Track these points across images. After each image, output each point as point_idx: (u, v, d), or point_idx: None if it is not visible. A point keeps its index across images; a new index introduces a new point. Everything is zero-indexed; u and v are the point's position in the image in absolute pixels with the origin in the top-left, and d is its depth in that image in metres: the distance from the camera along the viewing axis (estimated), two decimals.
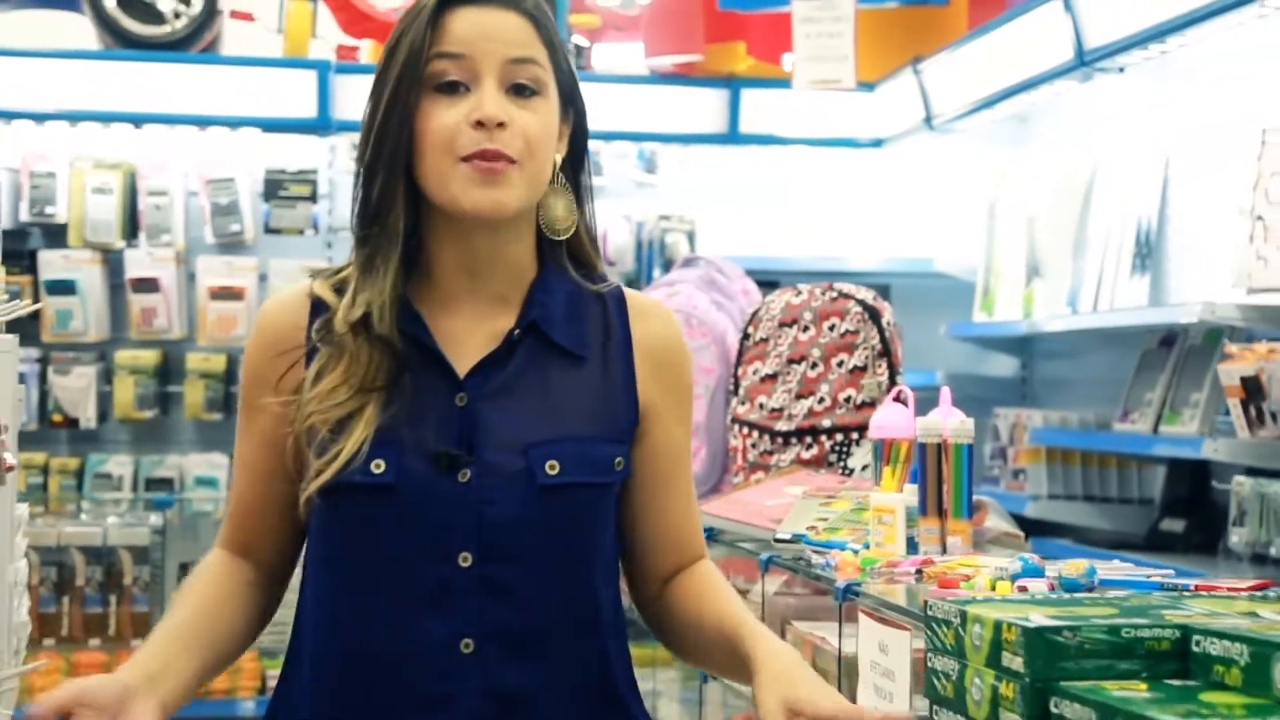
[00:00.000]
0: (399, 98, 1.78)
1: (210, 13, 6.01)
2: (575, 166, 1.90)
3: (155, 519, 5.68)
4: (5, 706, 2.04)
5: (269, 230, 6.10)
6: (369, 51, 6.28)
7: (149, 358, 6.03)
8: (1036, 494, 5.12)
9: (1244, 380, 3.71)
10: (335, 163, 6.18)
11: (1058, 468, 5.11)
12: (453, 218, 1.80)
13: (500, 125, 1.75)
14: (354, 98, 5.96)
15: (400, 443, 1.75)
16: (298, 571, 1.93)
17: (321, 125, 6.01)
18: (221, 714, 5.69)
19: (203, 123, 6.01)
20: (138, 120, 5.98)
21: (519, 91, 1.79)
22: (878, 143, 6.35)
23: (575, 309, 1.87)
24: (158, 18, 5.96)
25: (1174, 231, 4.78)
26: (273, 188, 6.07)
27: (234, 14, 6.12)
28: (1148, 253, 4.81)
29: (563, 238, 1.87)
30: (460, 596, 1.73)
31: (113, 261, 6.02)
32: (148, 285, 5.97)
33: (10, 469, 1.92)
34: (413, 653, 1.74)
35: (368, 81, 6.04)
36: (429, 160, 1.77)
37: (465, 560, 1.74)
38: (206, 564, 1.88)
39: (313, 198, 6.09)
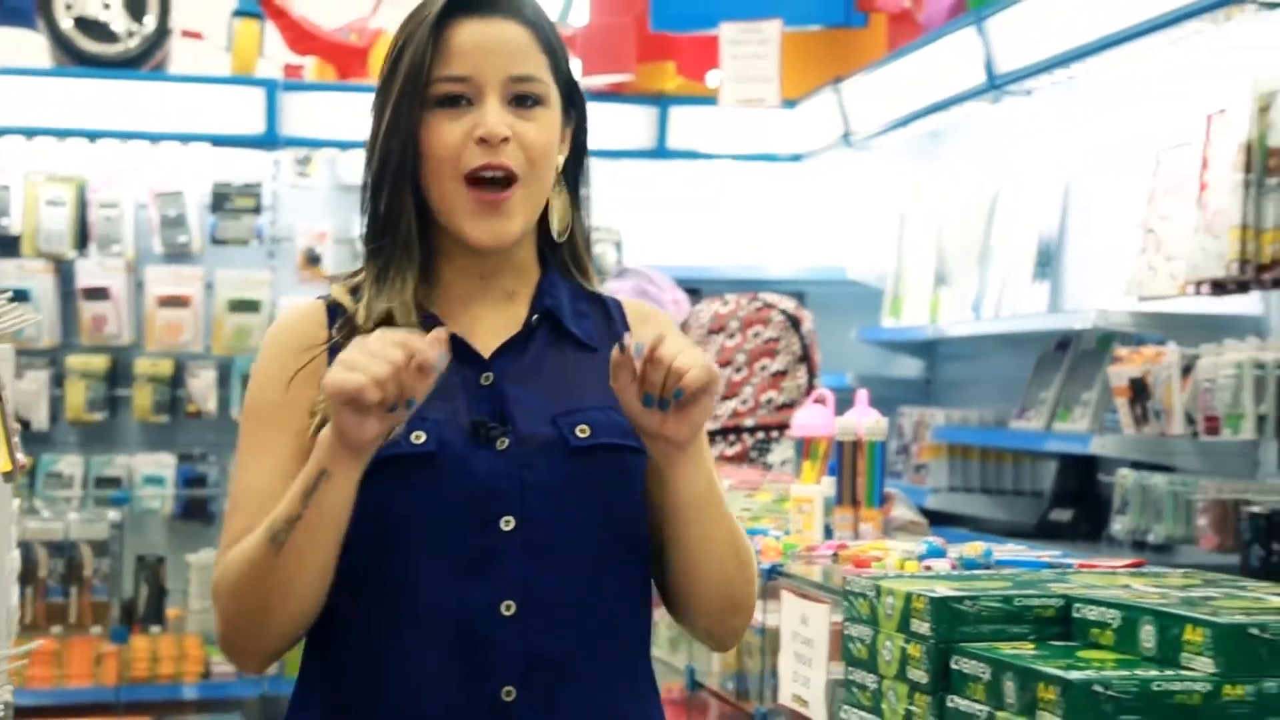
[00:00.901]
0: (402, 113, 1.75)
1: (162, 32, 6.09)
2: (575, 168, 1.88)
3: (114, 514, 5.78)
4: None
5: (215, 241, 6.21)
6: (314, 70, 6.39)
7: (99, 362, 6.13)
8: (937, 487, 5.25)
9: (1131, 381, 3.88)
10: (279, 176, 6.28)
11: (958, 462, 5.26)
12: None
13: (504, 140, 1.74)
14: (300, 114, 6.11)
15: (436, 418, 1.72)
16: None
17: (269, 141, 6.12)
18: (166, 698, 5.82)
19: (155, 138, 6.10)
20: (92, 135, 6.06)
21: (520, 102, 1.77)
22: (797, 157, 6.46)
23: (579, 307, 1.87)
24: (111, 37, 6.04)
25: (1072, 244, 4.94)
26: (219, 200, 6.18)
27: (184, 33, 6.21)
28: (1047, 263, 4.97)
29: (560, 239, 1.86)
30: (503, 560, 1.70)
31: (64, 271, 6.11)
32: (98, 293, 6.07)
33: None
34: (454, 616, 1.71)
35: (314, 98, 6.19)
36: (434, 177, 1.76)
37: (508, 524, 1.72)
38: (226, 558, 1.74)
39: (257, 210, 6.20)
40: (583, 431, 1.76)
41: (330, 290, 1.84)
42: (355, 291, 1.81)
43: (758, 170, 6.61)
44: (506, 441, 1.74)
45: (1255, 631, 1.43)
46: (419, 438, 1.71)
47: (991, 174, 5.41)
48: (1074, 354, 4.68)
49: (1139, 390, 3.85)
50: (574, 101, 1.85)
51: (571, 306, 1.86)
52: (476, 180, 1.75)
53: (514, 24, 1.78)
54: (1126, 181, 4.41)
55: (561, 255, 1.88)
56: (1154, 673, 1.43)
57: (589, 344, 1.84)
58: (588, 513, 1.76)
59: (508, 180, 1.75)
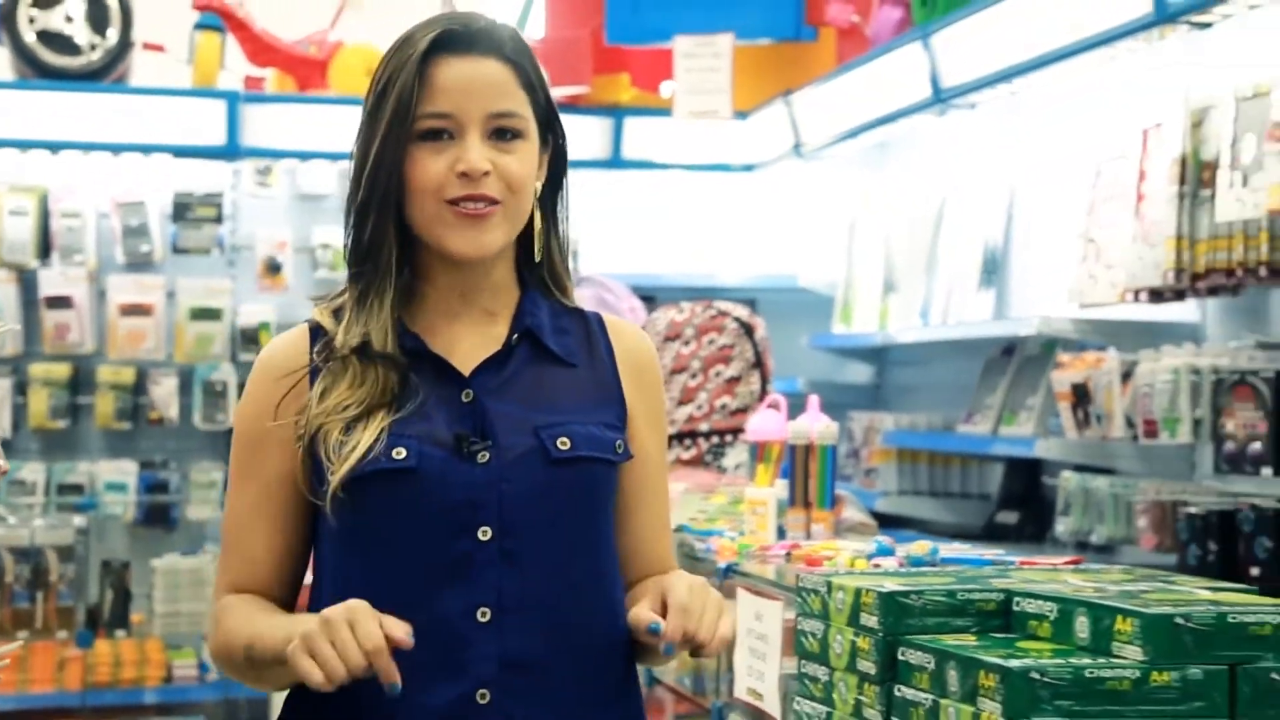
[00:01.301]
0: (388, 146, 1.81)
1: (124, 45, 6.10)
2: (552, 191, 1.94)
3: (79, 520, 5.80)
4: None
5: (176, 250, 6.23)
6: (274, 82, 6.43)
7: (61, 370, 6.14)
8: (887, 490, 5.33)
9: (1073, 386, 3.96)
10: (240, 186, 6.31)
11: (907, 466, 5.32)
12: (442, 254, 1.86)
13: (485, 174, 1.80)
14: (261, 125, 6.16)
15: (417, 435, 1.80)
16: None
17: (230, 152, 6.15)
18: (128, 702, 5.83)
19: (117, 149, 6.13)
20: (54, 147, 6.08)
21: (500, 135, 1.83)
22: (749, 168, 6.51)
23: (560, 324, 1.92)
24: (74, 49, 6.05)
25: (1016, 252, 5.02)
26: (180, 210, 6.20)
27: (146, 46, 6.23)
28: (992, 271, 5.05)
29: (537, 258, 1.91)
30: (480, 569, 1.76)
31: (27, 280, 6.11)
32: (61, 302, 6.08)
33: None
34: (431, 622, 1.74)
35: (275, 109, 6.20)
36: (417, 204, 1.82)
37: (485, 534, 1.78)
38: (227, 604, 1.86)
39: (218, 219, 6.22)
40: (563, 443, 1.82)
41: (313, 312, 1.90)
42: (338, 313, 1.87)
43: (711, 180, 6.66)
44: (487, 455, 1.80)
45: (1181, 621, 1.51)
46: (400, 454, 1.78)
47: (938, 184, 5.50)
48: (1019, 360, 4.77)
49: (1081, 395, 3.94)
50: (552, 128, 1.91)
51: (552, 324, 1.91)
52: (458, 205, 1.82)
53: (495, 62, 1.84)
54: (1068, 192, 4.50)
55: (541, 274, 1.93)
56: (1087, 661, 1.52)
57: (569, 360, 1.90)
58: (564, 522, 1.83)
59: (490, 203, 1.82)
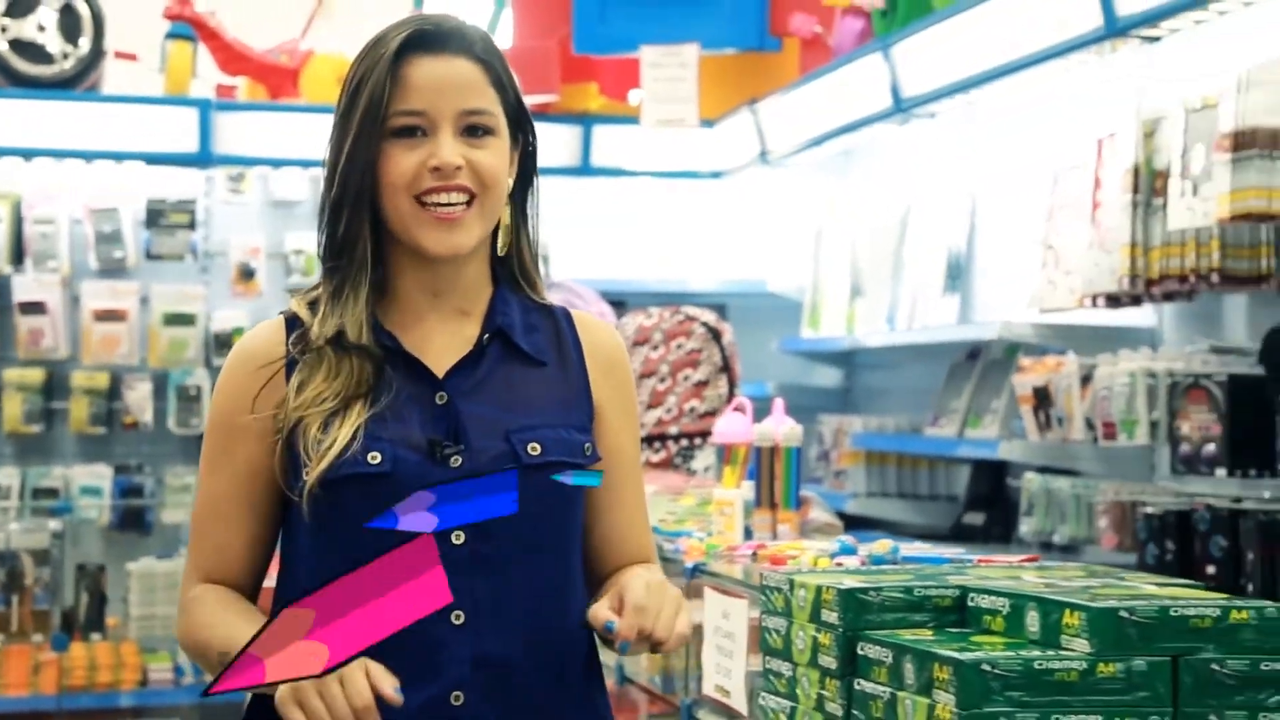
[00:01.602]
0: (360, 144, 1.83)
1: (96, 54, 6.13)
2: (522, 188, 1.95)
3: (55, 524, 5.83)
4: None
5: (150, 256, 6.26)
6: (246, 90, 6.46)
7: (36, 376, 6.16)
8: (856, 492, 5.38)
9: (1035, 390, 4.03)
10: (213, 193, 6.34)
11: (875, 468, 5.38)
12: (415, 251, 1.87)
13: (457, 169, 1.82)
14: (233, 133, 6.19)
15: (391, 437, 1.81)
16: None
17: (203, 159, 6.18)
18: (104, 705, 5.85)
19: (90, 156, 6.15)
20: (27, 154, 6.11)
21: (471, 132, 1.84)
22: (717, 175, 6.56)
23: (530, 321, 1.93)
24: (47, 58, 6.07)
25: (979, 258, 5.09)
26: (154, 216, 6.23)
27: (118, 54, 6.25)
28: (957, 276, 5.12)
29: (502, 253, 1.93)
30: (453, 572, 1.68)
31: (1, 286, 6.14)
32: (35, 308, 6.10)
33: None
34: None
35: (247, 117, 6.24)
36: (391, 200, 1.84)
37: (458, 539, 1.79)
38: (199, 596, 1.87)
39: (191, 225, 6.25)
40: (534, 449, 1.84)
41: (290, 303, 1.92)
42: (314, 306, 1.89)
43: (679, 187, 6.71)
44: (460, 460, 1.82)
45: (1125, 615, 1.57)
46: (375, 458, 1.80)
47: (902, 192, 5.56)
48: (983, 364, 4.83)
49: (1042, 398, 4.01)
50: (522, 127, 1.93)
51: (522, 321, 1.93)
52: (431, 201, 1.84)
53: (466, 61, 1.86)
54: (1027, 200, 4.56)
55: (511, 269, 1.95)
56: (1036, 653, 1.58)
57: (539, 359, 1.92)
58: (535, 526, 1.83)
59: (466, 200, 1.84)
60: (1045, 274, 4.13)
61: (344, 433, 1.79)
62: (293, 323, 1.90)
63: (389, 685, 1.64)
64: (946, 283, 5.14)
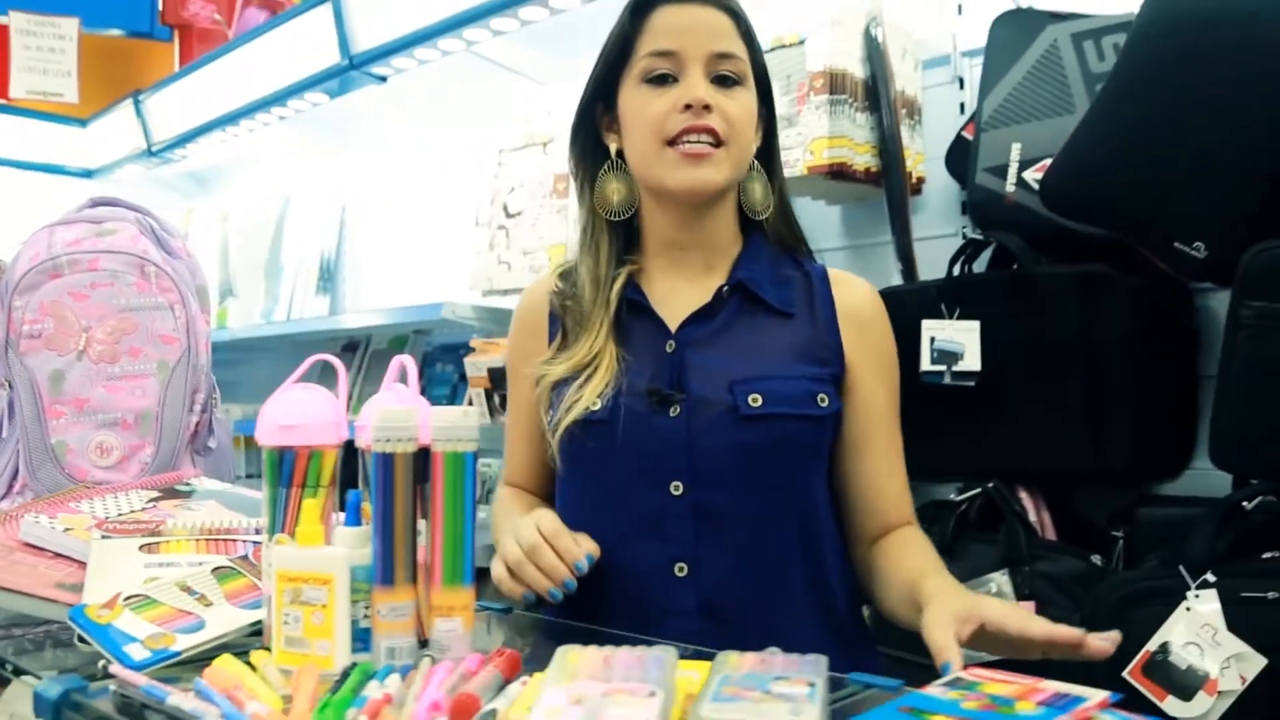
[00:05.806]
0: (604, 84, 1.87)
1: None
2: (769, 155, 1.93)
3: None
4: None
5: None
6: None
7: None
8: None
9: (490, 371, 3.93)
10: None
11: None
12: (661, 198, 1.84)
13: (706, 108, 1.78)
14: None
15: (618, 385, 1.80)
16: None
17: None
18: None
19: None
20: None
21: (722, 81, 1.82)
22: (88, 174, 6.14)
23: (780, 276, 1.89)
24: None
25: (348, 258, 5.06)
26: None
27: None
28: (329, 278, 5.06)
29: (761, 217, 1.90)
30: (674, 522, 1.73)
31: None
32: None
33: None
34: (633, 572, 1.75)
35: None
36: (639, 144, 1.82)
37: (677, 489, 1.76)
38: (499, 495, 1.99)
39: None
40: (755, 400, 1.77)
41: (556, 268, 1.97)
42: (574, 268, 1.94)
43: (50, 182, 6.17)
44: (679, 409, 1.78)
45: None
46: (595, 405, 1.81)
47: (276, 196, 5.42)
48: (364, 353, 4.81)
49: (496, 380, 3.89)
50: (767, 98, 1.91)
51: (772, 274, 1.89)
52: (679, 144, 1.81)
53: (716, 10, 1.84)
54: (396, 202, 4.59)
55: (775, 227, 1.93)
56: None
57: (785, 310, 1.86)
58: (756, 478, 1.77)
59: (714, 142, 1.80)
60: (494, 254, 4.02)
61: (590, 390, 1.81)
62: (564, 276, 1.95)
63: (581, 553, 1.67)
64: (319, 284, 5.06)
